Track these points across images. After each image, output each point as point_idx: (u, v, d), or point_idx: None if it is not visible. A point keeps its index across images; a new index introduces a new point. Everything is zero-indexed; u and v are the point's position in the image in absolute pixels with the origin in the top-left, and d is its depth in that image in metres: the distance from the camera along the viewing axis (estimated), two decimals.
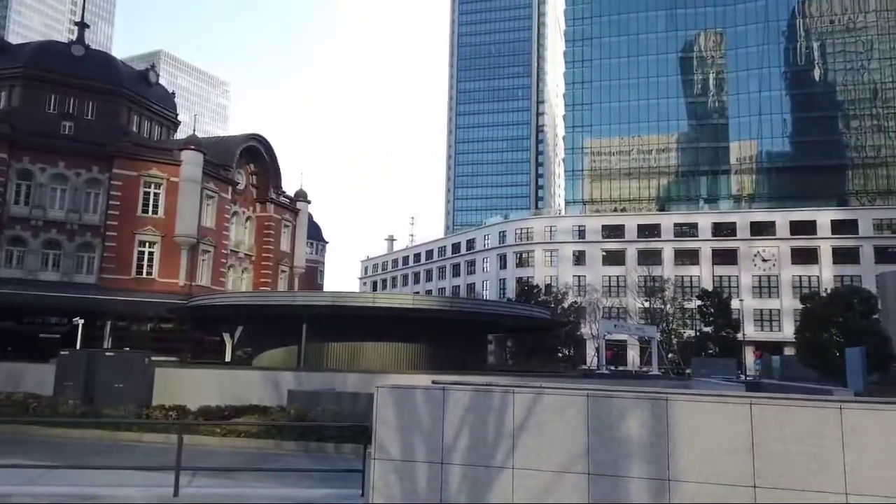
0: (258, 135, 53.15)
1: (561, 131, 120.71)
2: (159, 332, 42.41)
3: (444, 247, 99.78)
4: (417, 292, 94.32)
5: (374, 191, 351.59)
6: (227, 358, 45.24)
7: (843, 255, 71.77)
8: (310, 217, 64.02)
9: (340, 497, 10.61)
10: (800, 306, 49.28)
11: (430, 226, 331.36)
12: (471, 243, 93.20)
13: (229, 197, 49.20)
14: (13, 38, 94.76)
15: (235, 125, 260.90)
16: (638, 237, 78.01)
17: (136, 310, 40.94)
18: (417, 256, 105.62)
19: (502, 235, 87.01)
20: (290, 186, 58.86)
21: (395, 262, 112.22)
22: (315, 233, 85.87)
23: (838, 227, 73.01)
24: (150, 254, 43.53)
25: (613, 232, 79.98)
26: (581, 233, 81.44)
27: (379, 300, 31.18)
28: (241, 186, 51.69)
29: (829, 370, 32.65)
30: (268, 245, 53.78)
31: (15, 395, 19.89)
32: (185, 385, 22.39)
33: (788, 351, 58.42)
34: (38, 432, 16.61)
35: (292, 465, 13.54)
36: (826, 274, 70.95)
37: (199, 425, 16.24)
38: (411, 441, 6.97)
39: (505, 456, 6.62)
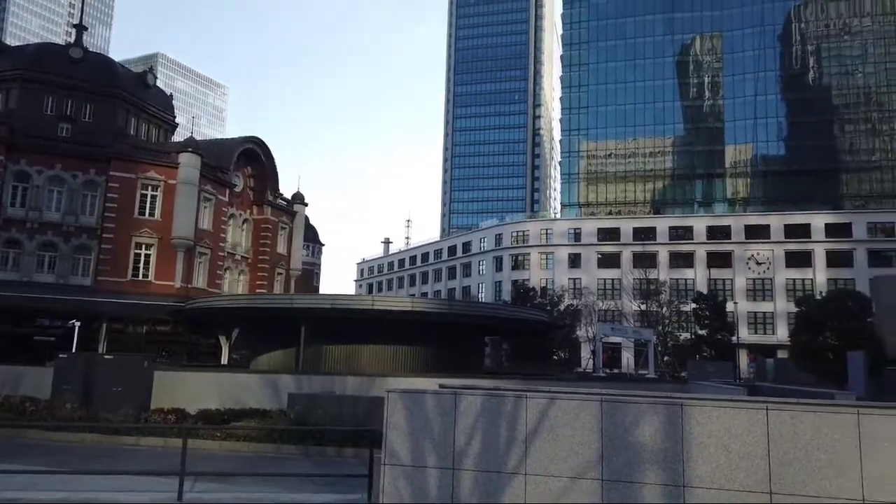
0: (256, 137, 53.07)
1: (557, 134, 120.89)
2: (155, 334, 42.23)
3: (441, 249, 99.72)
4: (413, 295, 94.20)
5: (370, 193, 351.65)
6: (224, 361, 45.09)
7: (837, 259, 72.04)
8: (306, 219, 63.88)
9: (346, 502, 10.55)
10: (793, 309, 49.45)
11: (426, 228, 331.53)
12: (467, 246, 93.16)
13: (226, 199, 49.07)
14: (11, 41, 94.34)
15: (233, 128, 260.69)
16: (633, 240, 78.13)
17: (133, 312, 40.72)
18: (413, 259, 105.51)
19: (498, 238, 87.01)
20: (286, 189, 58.80)
21: (391, 264, 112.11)
22: (311, 235, 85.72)
23: (832, 230, 73.30)
24: (147, 256, 43.34)
25: (609, 235, 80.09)
26: (577, 235, 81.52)
27: (378, 303, 31.07)
28: (238, 189, 51.58)
29: (825, 374, 32.69)
30: (264, 247, 53.65)
31: (12, 399, 19.75)
32: (183, 388, 22.27)
33: (782, 354, 58.50)
34: (36, 436, 16.50)
35: (293, 468, 13.48)
36: (820, 277, 71.20)
37: (200, 429, 16.15)
38: (422, 446, 6.93)
39: (517, 461, 6.59)
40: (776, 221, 75.28)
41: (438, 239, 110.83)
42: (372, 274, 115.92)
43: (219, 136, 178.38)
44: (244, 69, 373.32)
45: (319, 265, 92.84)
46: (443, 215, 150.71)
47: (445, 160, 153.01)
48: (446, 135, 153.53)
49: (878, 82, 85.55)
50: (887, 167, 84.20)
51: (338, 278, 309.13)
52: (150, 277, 43.19)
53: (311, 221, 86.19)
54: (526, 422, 6.63)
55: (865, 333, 31.86)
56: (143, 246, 43.31)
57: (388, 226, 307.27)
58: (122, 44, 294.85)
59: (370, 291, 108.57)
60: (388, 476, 6.98)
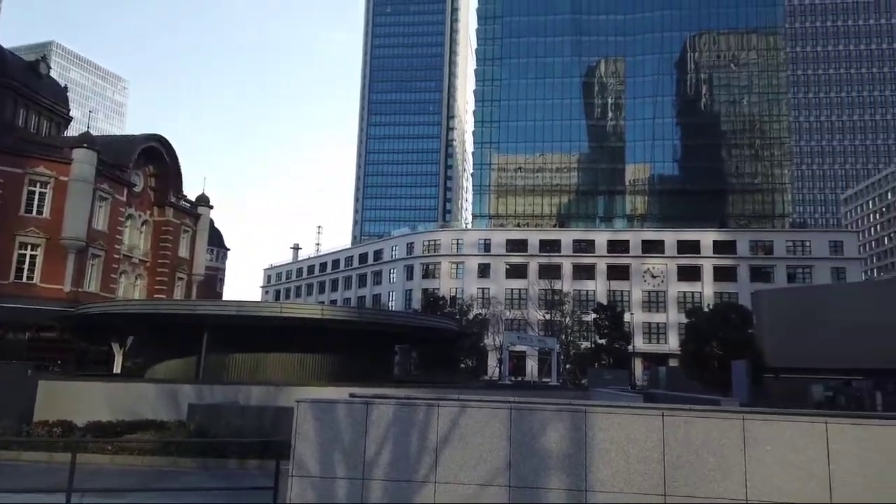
0: (159, 135, 50.62)
1: (470, 146, 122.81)
2: (39, 341, 39.28)
3: (351, 257, 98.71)
4: (323, 302, 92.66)
5: (279, 198, 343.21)
6: (117, 369, 42.56)
7: (723, 274, 77.23)
8: (211, 223, 61.50)
9: None
10: (684, 320, 52.47)
11: (337, 235, 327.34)
12: (378, 254, 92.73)
13: (125, 199, 46.46)
14: None
15: (134, 125, 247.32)
16: (540, 252, 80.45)
17: (13, 317, 37.72)
18: (323, 266, 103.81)
19: (410, 247, 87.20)
20: (191, 191, 56.41)
21: (300, 271, 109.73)
22: (216, 239, 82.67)
23: (719, 247, 78.51)
24: (33, 257, 40.31)
25: (517, 246, 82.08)
26: (486, 246, 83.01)
27: (286, 310, 30.20)
28: (138, 189, 48.97)
29: (711, 381, 34.92)
30: (165, 251, 51.17)
31: None
32: (71, 399, 20.88)
33: (673, 362, 61.74)
34: None
35: (192, 482, 12.95)
36: (708, 290, 75.96)
37: (89, 442, 15.22)
38: (332, 457, 6.86)
39: (428, 470, 6.65)
40: (670, 237, 79.81)
41: (350, 246, 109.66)
42: (280, 280, 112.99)
43: (118, 132, 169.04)
44: (148, 65, 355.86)
45: (224, 270, 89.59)
46: (355, 223, 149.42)
47: (359, 167, 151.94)
48: (360, 142, 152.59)
49: (760, 111, 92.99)
50: (767, 190, 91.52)
51: (245, 285, 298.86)
52: (36, 280, 40.22)
53: (217, 225, 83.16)
54: (437, 430, 6.71)
55: (747, 344, 34.34)
56: (29, 246, 40.25)
57: (298, 232, 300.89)
58: (11, 30, 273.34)
59: (278, 298, 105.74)
60: (295, 488, 6.86)
